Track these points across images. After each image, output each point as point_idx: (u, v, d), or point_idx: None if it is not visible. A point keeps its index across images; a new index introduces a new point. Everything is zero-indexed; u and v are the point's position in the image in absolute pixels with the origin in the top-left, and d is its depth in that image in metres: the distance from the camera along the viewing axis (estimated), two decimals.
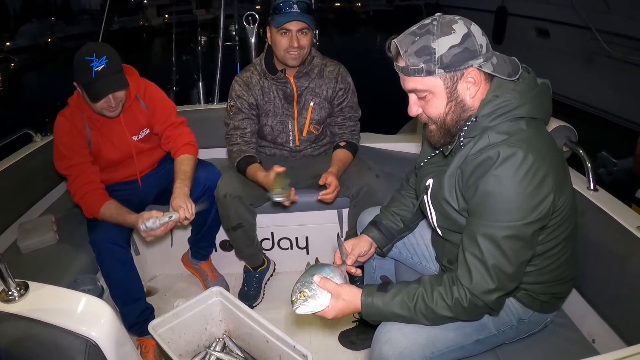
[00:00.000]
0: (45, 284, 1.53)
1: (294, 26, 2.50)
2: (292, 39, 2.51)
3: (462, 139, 1.48)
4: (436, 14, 1.43)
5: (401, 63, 1.44)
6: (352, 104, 2.80)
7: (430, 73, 1.39)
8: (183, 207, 2.31)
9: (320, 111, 2.75)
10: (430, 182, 1.66)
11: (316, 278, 1.58)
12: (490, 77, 1.45)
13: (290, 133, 2.79)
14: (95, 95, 2.29)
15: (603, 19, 7.61)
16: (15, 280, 1.47)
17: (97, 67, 2.21)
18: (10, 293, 1.45)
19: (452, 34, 1.36)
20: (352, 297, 1.56)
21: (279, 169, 2.34)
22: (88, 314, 1.42)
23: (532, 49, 8.69)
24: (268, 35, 2.65)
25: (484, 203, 1.37)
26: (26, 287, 1.48)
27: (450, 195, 1.52)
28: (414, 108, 1.52)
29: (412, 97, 1.51)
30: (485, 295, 1.40)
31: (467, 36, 1.37)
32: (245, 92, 2.71)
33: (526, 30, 9.68)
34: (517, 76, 1.45)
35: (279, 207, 2.76)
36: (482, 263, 1.39)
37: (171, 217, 2.27)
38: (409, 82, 1.45)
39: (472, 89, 1.43)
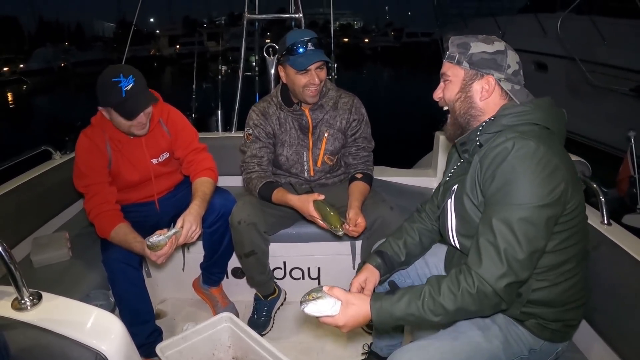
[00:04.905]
0: (58, 296, 1.53)
1: (313, 65, 2.52)
2: (313, 77, 2.53)
3: (478, 136, 1.62)
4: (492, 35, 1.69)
5: (447, 51, 1.70)
6: (365, 134, 2.82)
7: (459, 63, 1.64)
8: (187, 226, 2.33)
9: (334, 142, 2.76)
10: (455, 186, 1.73)
11: (325, 287, 1.59)
12: (506, 95, 1.64)
13: (305, 163, 2.80)
14: (130, 113, 2.34)
15: (598, 52, 7.74)
16: (29, 289, 1.47)
17: (127, 86, 2.27)
18: (23, 302, 1.45)
19: (490, 44, 1.62)
20: (362, 303, 1.57)
21: (320, 196, 2.37)
22: (99, 328, 1.42)
23: (530, 82, 8.81)
24: (282, 74, 2.66)
25: (500, 190, 1.46)
26: (39, 297, 1.49)
27: (471, 191, 1.60)
28: (437, 92, 1.75)
29: (441, 83, 1.74)
30: (495, 280, 1.42)
31: (500, 52, 1.61)
32: (262, 121, 2.73)
33: (524, 64, 9.84)
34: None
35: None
36: (494, 247, 1.43)
37: (176, 232, 2.28)
38: (444, 66, 1.71)
39: (484, 94, 1.63)
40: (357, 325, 1.59)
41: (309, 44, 2.50)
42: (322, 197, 2.37)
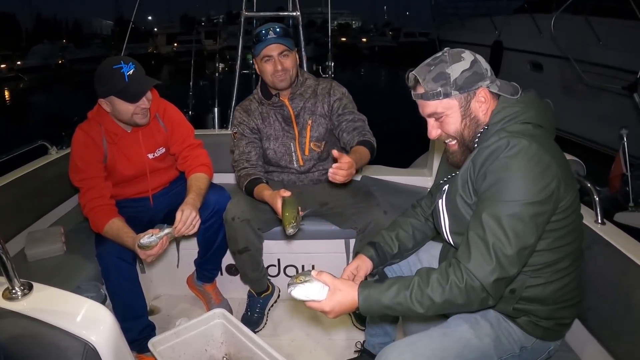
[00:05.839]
0: (49, 286, 1.53)
1: (274, 51, 2.60)
2: (276, 63, 2.61)
3: (476, 145, 1.61)
4: (445, 48, 1.63)
5: (420, 90, 1.62)
6: (351, 109, 2.80)
7: (447, 95, 1.58)
8: (187, 213, 2.32)
9: (318, 127, 2.80)
10: (446, 187, 1.74)
11: (313, 272, 1.59)
12: (497, 96, 1.62)
13: (293, 154, 2.83)
14: (134, 96, 2.37)
15: (592, 51, 7.77)
16: (20, 280, 1.47)
17: (128, 71, 2.32)
18: (13, 291, 1.45)
19: (462, 60, 1.58)
20: (350, 290, 1.56)
21: (285, 193, 2.33)
22: (89, 318, 1.42)
23: (526, 82, 8.84)
24: (256, 66, 2.76)
25: (491, 187, 1.46)
26: (30, 287, 1.49)
27: (463, 190, 1.60)
28: (434, 131, 1.69)
29: (431, 122, 1.68)
30: (483, 275, 1.42)
31: (475, 62, 1.58)
32: (245, 117, 2.80)
33: (520, 64, 9.88)
34: (518, 95, 1.63)
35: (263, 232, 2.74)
36: (483, 241, 1.43)
37: (168, 232, 2.27)
38: (428, 107, 1.63)
39: (483, 106, 1.60)
40: (344, 311, 1.58)
41: (270, 31, 2.59)
42: (287, 194, 2.33)
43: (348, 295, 1.55)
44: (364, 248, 2.01)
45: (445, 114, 1.62)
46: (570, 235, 1.56)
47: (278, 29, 2.60)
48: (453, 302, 1.46)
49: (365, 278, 1.94)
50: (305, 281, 1.55)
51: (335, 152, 2.20)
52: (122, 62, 2.32)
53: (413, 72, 1.63)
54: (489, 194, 1.46)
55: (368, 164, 2.67)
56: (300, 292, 1.54)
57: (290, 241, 2.97)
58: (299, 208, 2.26)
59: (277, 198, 2.33)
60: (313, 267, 3.09)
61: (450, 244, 1.76)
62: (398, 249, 1.99)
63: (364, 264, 1.93)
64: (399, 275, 1.66)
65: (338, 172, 2.18)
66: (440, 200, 1.74)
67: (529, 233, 1.43)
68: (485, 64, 1.60)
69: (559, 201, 1.47)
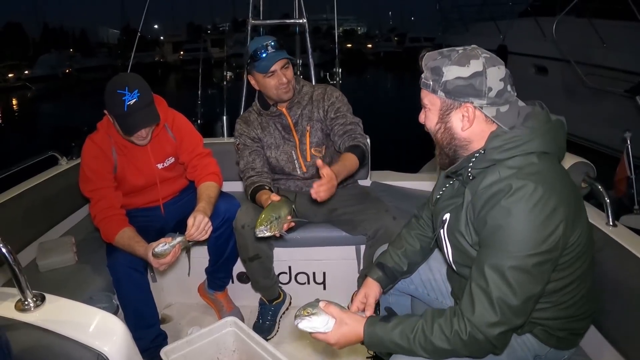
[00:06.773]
0: (61, 297, 1.54)
1: (277, 65, 2.60)
2: (280, 77, 2.61)
3: (470, 169, 1.51)
4: (472, 45, 1.51)
5: (422, 74, 1.54)
6: (345, 112, 2.78)
7: (434, 91, 1.49)
8: (199, 218, 2.30)
9: (316, 133, 2.80)
10: (447, 216, 1.66)
11: (321, 303, 1.59)
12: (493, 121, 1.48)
13: (295, 161, 2.83)
14: (127, 129, 2.35)
15: (596, 54, 7.81)
16: (33, 291, 1.48)
17: (130, 101, 2.26)
18: (26, 303, 1.45)
19: (465, 67, 1.43)
20: (356, 324, 1.55)
21: (274, 197, 2.31)
22: (101, 329, 1.42)
23: (531, 86, 8.93)
24: (252, 82, 2.76)
25: (493, 235, 1.38)
26: (42, 299, 1.49)
27: (465, 230, 1.54)
28: (422, 115, 1.62)
29: (423, 109, 1.62)
30: (488, 328, 1.37)
31: (478, 75, 1.42)
32: (245, 128, 2.82)
33: (525, 67, 9.86)
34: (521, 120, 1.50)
35: (273, 240, 2.73)
36: (486, 294, 1.37)
37: (180, 240, 2.28)
38: (422, 93, 1.57)
39: (464, 123, 1.48)
40: (349, 344, 1.58)
41: (269, 47, 2.59)
42: (277, 198, 2.30)
43: (354, 329, 1.55)
44: (371, 270, 1.99)
45: (428, 107, 1.56)
46: (578, 261, 1.50)
47: (273, 43, 2.60)
48: (456, 352, 1.42)
49: (377, 306, 1.94)
50: (312, 314, 1.55)
51: (318, 162, 2.21)
52: (127, 88, 2.27)
53: (427, 53, 1.55)
54: (491, 241, 1.39)
55: (361, 165, 2.60)
56: (307, 325, 1.55)
57: (301, 248, 2.96)
58: (287, 216, 2.25)
59: (269, 202, 2.32)
60: (324, 275, 3.11)
61: (454, 270, 1.72)
62: (407, 266, 1.97)
63: (371, 291, 1.91)
64: (407, 314, 1.61)
65: (319, 189, 2.18)
66: (442, 231, 1.68)
67: (534, 282, 1.37)
68: (493, 83, 1.42)
69: (566, 242, 1.41)
